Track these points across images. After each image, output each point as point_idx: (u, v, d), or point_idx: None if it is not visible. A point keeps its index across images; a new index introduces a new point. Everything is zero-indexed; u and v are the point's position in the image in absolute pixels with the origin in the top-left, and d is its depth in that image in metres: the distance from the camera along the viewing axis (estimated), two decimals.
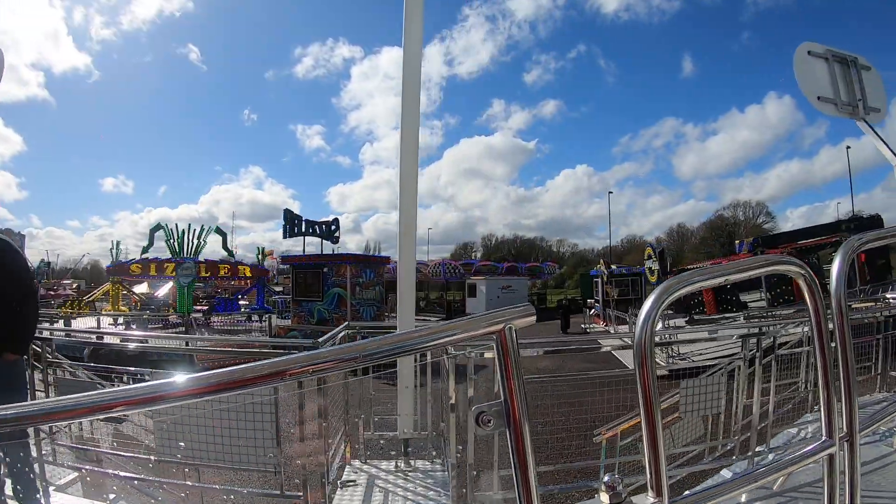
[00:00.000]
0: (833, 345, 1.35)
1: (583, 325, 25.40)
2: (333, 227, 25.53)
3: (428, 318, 35.37)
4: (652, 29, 75.58)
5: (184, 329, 21.76)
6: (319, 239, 25.55)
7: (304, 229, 25.21)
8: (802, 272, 1.23)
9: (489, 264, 41.14)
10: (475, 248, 76.05)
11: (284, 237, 26.11)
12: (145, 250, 28.68)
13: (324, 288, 19.54)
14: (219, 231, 32.24)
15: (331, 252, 23.09)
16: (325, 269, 19.63)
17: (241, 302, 31.32)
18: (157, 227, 28.75)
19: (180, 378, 0.95)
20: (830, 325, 1.30)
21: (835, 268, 1.34)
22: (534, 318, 1.07)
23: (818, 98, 4.87)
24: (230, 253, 31.78)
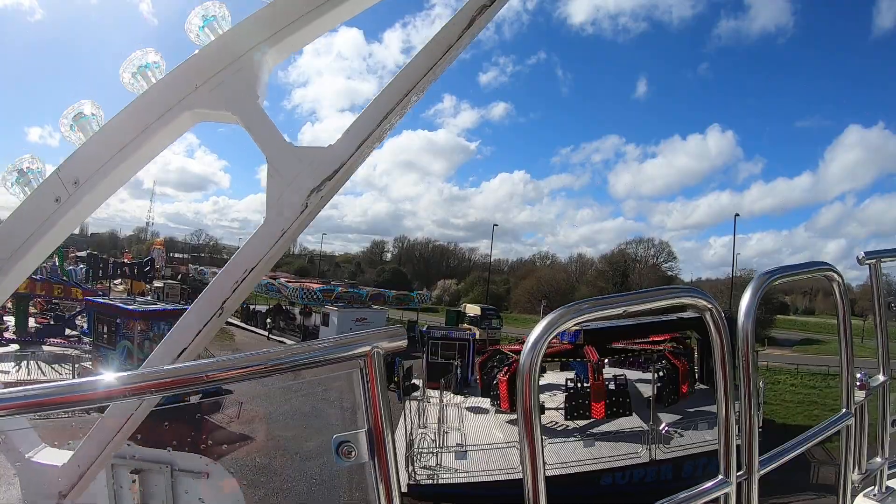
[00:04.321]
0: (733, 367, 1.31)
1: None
2: (147, 269, 25.07)
3: (282, 341, 33.99)
4: (615, 47, 77.23)
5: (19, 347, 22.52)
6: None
7: (110, 272, 24.82)
8: (709, 306, 1.18)
9: (352, 292, 38.29)
10: (387, 248, 76.11)
11: (87, 283, 25.65)
12: None
13: (117, 338, 19.90)
14: (57, 254, 32.09)
15: (132, 301, 22.64)
16: (118, 321, 19.99)
17: (77, 322, 28.34)
18: None
19: None
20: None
21: (744, 302, 1.29)
22: (404, 342, 0.97)
23: None
24: (66, 274, 30.73)
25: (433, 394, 19.33)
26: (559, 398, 18.29)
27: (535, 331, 1.03)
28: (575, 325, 1.03)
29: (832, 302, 1.67)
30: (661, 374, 18.23)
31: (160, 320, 20.24)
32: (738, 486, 1.33)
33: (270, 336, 35.13)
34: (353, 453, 0.99)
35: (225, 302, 1.79)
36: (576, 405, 17.41)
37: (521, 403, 1.03)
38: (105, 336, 20.55)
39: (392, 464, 0.99)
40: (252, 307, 41.56)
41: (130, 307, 20.56)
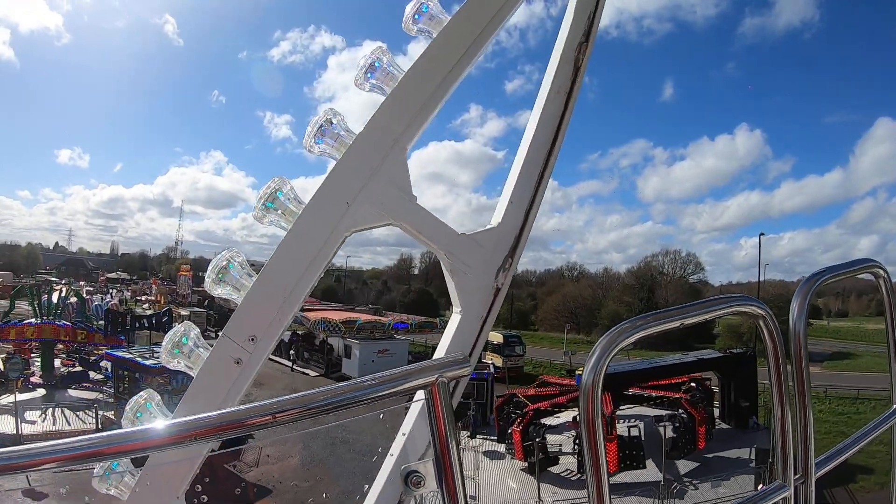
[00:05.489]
0: (790, 384, 1.30)
1: None
2: (165, 319, 26.83)
3: (306, 372, 34.32)
4: (640, 49, 75.98)
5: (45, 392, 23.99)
6: None
7: (129, 325, 27.57)
8: (763, 313, 1.17)
9: (374, 320, 38.04)
10: (415, 264, 76.63)
11: (106, 335, 27.75)
12: (6, 315, 29.46)
13: (137, 391, 20.72)
14: (77, 296, 33.71)
15: (151, 353, 22.92)
16: (137, 376, 21.38)
17: (102, 364, 28.71)
18: (20, 290, 31.82)
19: None
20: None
21: (795, 305, 1.29)
22: (469, 370, 0.97)
23: None
24: (87, 318, 31.58)
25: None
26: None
27: (595, 351, 1.02)
28: (640, 337, 1.02)
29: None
30: (677, 423, 17.65)
31: (179, 373, 20.80)
32: (795, 489, 1.32)
33: (294, 368, 34.98)
34: (421, 483, 0.99)
35: None
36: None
37: (584, 423, 1.02)
38: (126, 387, 21.59)
39: (461, 492, 0.98)
40: None
41: (149, 363, 21.16)
